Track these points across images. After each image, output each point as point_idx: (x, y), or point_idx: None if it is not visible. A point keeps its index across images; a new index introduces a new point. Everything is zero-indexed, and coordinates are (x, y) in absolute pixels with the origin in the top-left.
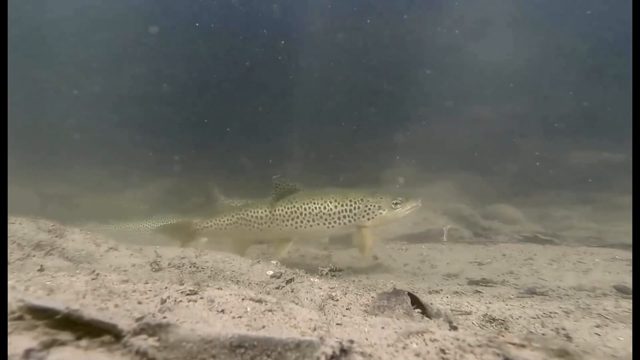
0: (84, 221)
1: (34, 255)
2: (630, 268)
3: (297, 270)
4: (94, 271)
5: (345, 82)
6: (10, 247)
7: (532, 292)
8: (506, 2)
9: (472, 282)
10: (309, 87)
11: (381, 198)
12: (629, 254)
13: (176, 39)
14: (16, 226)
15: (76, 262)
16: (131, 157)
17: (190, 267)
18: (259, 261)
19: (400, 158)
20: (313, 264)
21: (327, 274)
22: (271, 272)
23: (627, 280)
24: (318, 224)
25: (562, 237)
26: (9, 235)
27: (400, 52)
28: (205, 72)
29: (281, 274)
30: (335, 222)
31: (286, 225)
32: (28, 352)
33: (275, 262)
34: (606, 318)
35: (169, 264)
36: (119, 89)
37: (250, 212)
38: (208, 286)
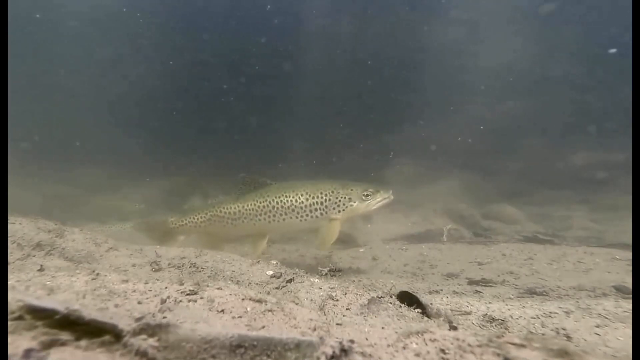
0: (84, 221)
1: (34, 255)
2: (630, 268)
3: (297, 270)
4: (94, 271)
5: (346, 81)
6: (10, 247)
7: (532, 292)
8: (507, 2)
9: (472, 282)
10: (309, 86)
11: (351, 190)
12: (629, 254)
13: (176, 40)
14: (16, 226)
15: (76, 262)
16: (131, 157)
17: (190, 267)
18: (259, 261)
19: (401, 157)
20: (313, 264)
21: (327, 274)
22: (271, 272)
23: (627, 280)
24: (290, 218)
25: (562, 237)
26: (9, 235)
27: (402, 52)
28: (205, 71)
29: (281, 274)
30: (307, 215)
31: (259, 220)
32: (28, 352)
33: (275, 262)
34: (606, 318)
35: (169, 264)
36: (119, 89)
37: (224, 208)
38: (208, 286)
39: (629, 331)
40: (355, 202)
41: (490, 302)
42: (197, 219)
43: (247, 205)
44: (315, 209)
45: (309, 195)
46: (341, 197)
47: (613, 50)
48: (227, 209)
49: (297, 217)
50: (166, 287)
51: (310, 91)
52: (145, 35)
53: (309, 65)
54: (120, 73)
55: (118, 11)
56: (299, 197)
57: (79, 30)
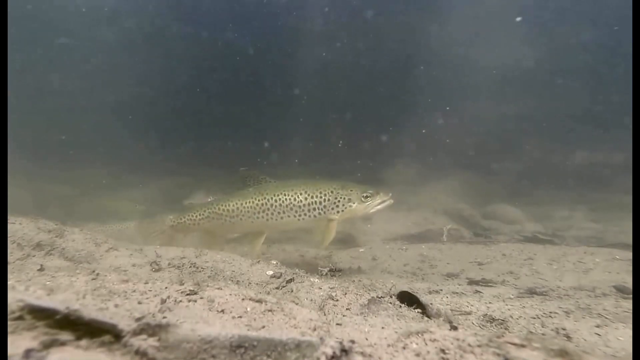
0: (84, 221)
1: (34, 255)
2: (630, 268)
3: (297, 270)
4: (94, 271)
5: (346, 81)
6: (10, 247)
7: (532, 292)
8: (508, 2)
9: (472, 282)
10: (310, 86)
11: (351, 190)
12: (629, 254)
13: (175, 39)
14: (16, 226)
15: (76, 262)
16: (131, 157)
17: (190, 267)
18: (259, 261)
19: (401, 157)
20: (313, 264)
21: (327, 274)
22: (271, 272)
23: (627, 280)
24: (288, 216)
25: (562, 237)
26: (9, 235)
27: (403, 51)
28: (205, 70)
29: (281, 274)
30: (305, 214)
31: (257, 217)
32: (28, 352)
33: (275, 262)
34: (606, 318)
35: (169, 264)
36: (119, 89)
37: (222, 205)
38: (208, 286)
39: (629, 331)
40: (354, 203)
41: (490, 302)
42: (196, 216)
43: (246, 203)
44: (314, 209)
45: (308, 195)
46: (340, 198)
47: (519, 19)
48: (226, 206)
49: (295, 216)
50: (166, 287)
51: (311, 91)
52: (144, 35)
53: (309, 64)
54: (120, 73)
55: (121, 9)
56: (298, 196)
57: (80, 28)
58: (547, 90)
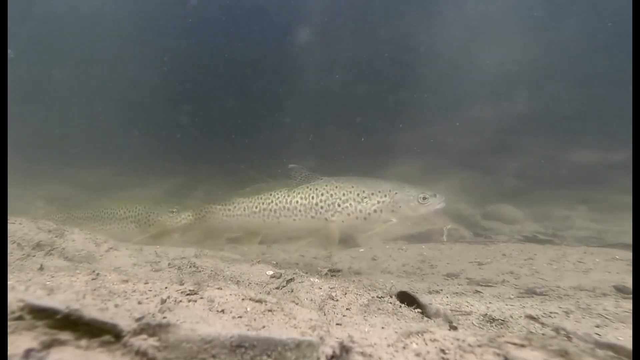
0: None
1: (34, 255)
2: (630, 268)
3: (297, 270)
4: (94, 271)
5: (347, 81)
6: (10, 247)
7: (532, 292)
8: (507, 1)
9: (472, 282)
10: (311, 86)
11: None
12: (629, 254)
13: (176, 40)
14: (16, 226)
15: (76, 262)
16: (131, 157)
17: (190, 267)
18: (259, 261)
19: (401, 157)
20: (313, 264)
21: (326, 274)
22: (271, 272)
23: (627, 280)
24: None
25: (562, 237)
26: (9, 235)
27: (403, 51)
28: (205, 71)
29: (281, 274)
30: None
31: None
32: (28, 352)
33: (275, 263)
34: (606, 318)
35: (169, 264)
36: (120, 89)
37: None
38: (208, 286)
39: (629, 331)
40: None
41: (490, 302)
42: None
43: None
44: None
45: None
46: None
47: None
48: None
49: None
50: (166, 287)
51: (311, 91)
52: (145, 35)
53: (311, 64)
54: (122, 74)
55: (122, 10)
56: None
57: (83, 28)
58: (547, 90)
